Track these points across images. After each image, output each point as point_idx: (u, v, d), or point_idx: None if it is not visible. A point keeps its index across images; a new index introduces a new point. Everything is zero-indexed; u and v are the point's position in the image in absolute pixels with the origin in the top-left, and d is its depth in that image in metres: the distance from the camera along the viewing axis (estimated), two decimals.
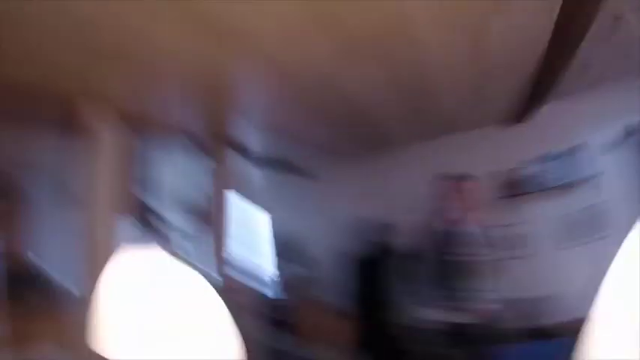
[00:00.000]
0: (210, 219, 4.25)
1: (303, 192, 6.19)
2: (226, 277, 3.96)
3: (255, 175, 5.15)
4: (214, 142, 3.86)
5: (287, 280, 6.31)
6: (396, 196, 5.47)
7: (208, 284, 0.85)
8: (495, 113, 4.69)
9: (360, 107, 3.53)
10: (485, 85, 3.59)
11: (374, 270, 5.14)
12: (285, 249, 6.37)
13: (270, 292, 6.22)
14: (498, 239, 3.23)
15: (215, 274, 4.63)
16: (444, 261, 3.17)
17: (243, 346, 0.80)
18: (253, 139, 3.99)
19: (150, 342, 0.72)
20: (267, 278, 6.61)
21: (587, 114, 4.77)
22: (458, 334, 3.10)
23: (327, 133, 4.26)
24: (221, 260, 4.20)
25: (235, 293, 3.74)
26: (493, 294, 3.16)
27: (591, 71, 3.94)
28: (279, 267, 6.44)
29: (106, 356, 0.75)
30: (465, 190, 3.18)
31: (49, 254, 2.70)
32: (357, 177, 5.79)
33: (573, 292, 4.52)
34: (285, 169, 5.30)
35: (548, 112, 4.64)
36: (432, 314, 4.87)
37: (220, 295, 0.83)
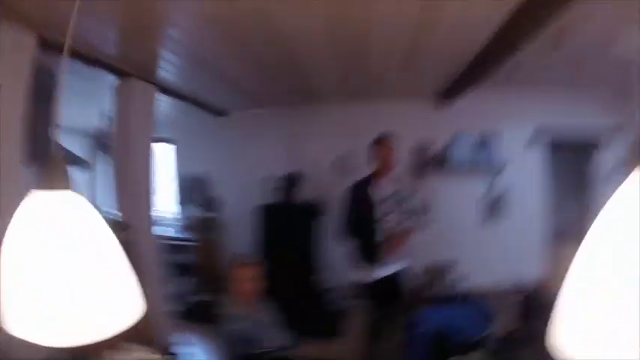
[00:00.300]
0: (109, 145, 3.77)
1: (214, 131, 5.88)
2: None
3: (165, 104, 4.67)
4: (128, 67, 3.37)
5: (189, 221, 6.05)
6: (310, 149, 5.48)
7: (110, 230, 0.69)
8: (424, 88, 4.77)
9: (293, 55, 3.27)
10: (420, 59, 3.55)
11: (279, 219, 5.09)
12: (190, 187, 6.08)
13: (171, 232, 5.93)
14: (406, 205, 3.27)
15: (112, 208, 4.21)
16: (357, 218, 3.16)
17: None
18: (171, 68, 3.53)
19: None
20: (168, 216, 6.28)
21: (507, 108, 5.17)
22: (368, 290, 3.20)
23: (253, 77, 3.95)
24: (122, 192, 3.78)
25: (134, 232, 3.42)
26: (403, 255, 3.24)
27: (522, 72, 4.11)
28: (182, 205, 6.12)
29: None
30: (385, 149, 3.14)
31: None
32: (275, 125, 5.62)
33: (475, 263, 5.19)
34: (198, 104, 4.89)
35: (472, 98, 4.82)
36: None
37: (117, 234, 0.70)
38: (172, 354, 1.67)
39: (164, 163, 6.12)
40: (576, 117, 5.05)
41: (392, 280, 3.19)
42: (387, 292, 3.19)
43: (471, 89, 4.40)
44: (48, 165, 0.63)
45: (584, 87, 4.90)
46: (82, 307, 0.59)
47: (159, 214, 4.08)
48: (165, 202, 6.07)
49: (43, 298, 0.57)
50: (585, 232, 0.51)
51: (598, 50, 3.23)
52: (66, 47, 0.74)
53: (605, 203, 0.49)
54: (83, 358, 1.55)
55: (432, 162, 5.15)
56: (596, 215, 0.50)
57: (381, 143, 3.18)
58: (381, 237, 3.08)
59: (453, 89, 4.53)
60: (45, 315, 0.57)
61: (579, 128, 5.13)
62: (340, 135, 5.36)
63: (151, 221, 3.93)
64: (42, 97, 3.04)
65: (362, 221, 3.14)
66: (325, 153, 5.41)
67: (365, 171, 3.46)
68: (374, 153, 3.21)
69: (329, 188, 5.27)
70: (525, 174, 5.19)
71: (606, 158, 5.09)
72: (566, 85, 4.80)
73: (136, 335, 1.78)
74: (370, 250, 3.09)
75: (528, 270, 5.12)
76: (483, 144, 5.16)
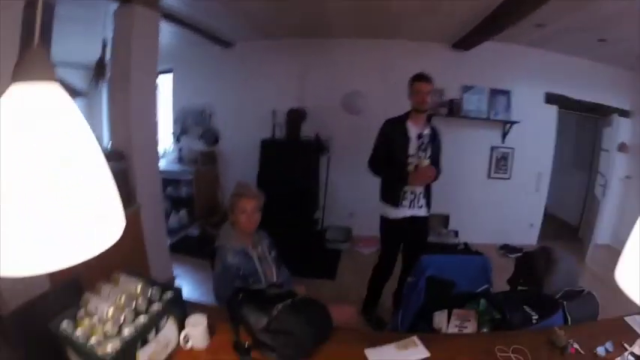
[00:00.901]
0: (104, 75, 3.60)
1: (218, 62, 5.63)
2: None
3: (167, 32, 4.45)
4: None
5: (187, 153, 5.98)
6: (318, 85, 5.29)
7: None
8: (442, 34, 4.56)
9: None
10: (441, 3, 3.41)
11: (282, 155, 4.98)
12: (189, 119, 5.95)
13: (166, 164, 5.85)
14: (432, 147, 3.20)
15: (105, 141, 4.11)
16: (389, 153, 3.07)
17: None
18: None
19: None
20: (164, 148, 6.18)
21: (523, 66, 4.94)
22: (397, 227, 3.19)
23: (265, 5, 3.71)
24: (120, 122, 3.66)
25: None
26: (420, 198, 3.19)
27: (543, 31, 3.97)
28: (179, 137, 6.02)
29: None
30: (424, 87, 3.01)
31: None
32: (283, 58, 5.32)
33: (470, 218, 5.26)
34: (203, 33, 4.68)
35: (487, 50, 4.66)
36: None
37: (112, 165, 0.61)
38: (171, 288, 1.62)
39: (164, 93, 5.94)
40: (589, 89, 4.91)
41: (416, 221, 3.18)
42: (411, 232, 3.22)
43: (489, 40, 4.26)
44: (28, 54, 0.52)
45: (603, 62, 4.77)
46: (62, 221, 0.50)
47: (158, 146, 3.97)
48: (163, 133, 5.94)
49: (16, 212, 0.48)
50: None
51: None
52: None
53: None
54: (77, 291, 1.51)
55: (443, 109, 4.99)
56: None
57: (422, 81, 3.01)
58: (409, 171, 3.02)
59: (470, 38, 4.35)
60: (21, 233, 0.48)
61: (590, 101, 5.00)
62: (351, 72, 5.16)
63: (152, 153, 3.85)
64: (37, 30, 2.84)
65: (394, 157, 3.05)
66: (334, 89, 5.21)
67: (374, 110, 3.36)
68: (412, 90, 3.05)
69: (335, 125, 5.21)
70: (532, 135, 5.07)
71: (610, 134, 4.99)
72: (586, 54, 4.64)
73: (132, 268, 1.74)
74: (398, 187, 3.07)
75: (521, 232, 5.27)
76: (495, 98, 5.00)
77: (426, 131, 3.08)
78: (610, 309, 2.15)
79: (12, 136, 0.50)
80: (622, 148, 5.05)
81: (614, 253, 5.05)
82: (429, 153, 3.05)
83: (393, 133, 3.09)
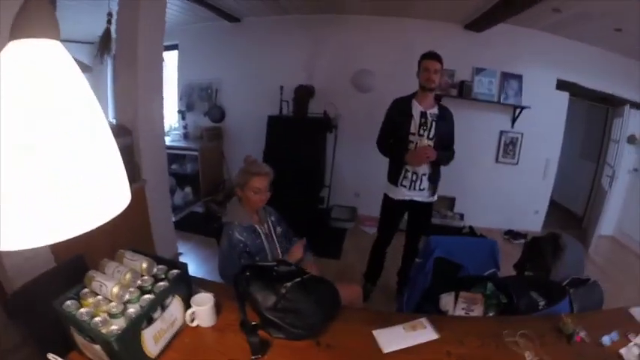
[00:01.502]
0: (110, 49, 3.53)
1: (224, 37, 5.53)
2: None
3: (173, 6, 4.37)
4: None
5: (191, 129, 5.95)
6: (327, 61, 5.20)
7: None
8: (454, 13, 4.45)
9: None
10: None
11: (288, 132, 4.90)
12: (195, 95, 5.89)
13: (171, 140, 5.81)
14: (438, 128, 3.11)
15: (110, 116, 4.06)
16: (393, 132, 3.04)
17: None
18: None
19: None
20: (170, 124, 6.13)
21: (533, 50, 4.79)
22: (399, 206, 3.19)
23: None
24: (122, 97, 3.61)
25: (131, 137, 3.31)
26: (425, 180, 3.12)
27: (559, 17, 3.88)
28: (184, 114, 5.97)
29: None
30: (432, 69, 2.92)
31: None
32: (292, 34, 5.21)
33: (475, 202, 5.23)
34: (209, 7, 4.60)
35: (500, 32, 4.56)
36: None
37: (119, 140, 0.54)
38: (177, 265, 1.60)
39: (169, 70, 5.88)
40: (602, 79, 4.78)
41: (416, 206, 3.14)
42: (410, 217, 3.23)
43: (503, 23, 4.18)
44: (30, 4, 0.47)
45: (618, 52, 4.63)
46: (66, 189, 0.47)
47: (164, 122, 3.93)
48: (169, 110, 5.89)
49: (17, 183, 0.45)
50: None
51: None
52: None
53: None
54: (81, 269, 1.47)
55: (453, 90, 4.93)
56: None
57: (430, 59, 2.92)
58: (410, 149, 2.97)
59: (484, 19, 4.25)
60: (22, 204, 0.45)
61: (602, 90, 4.89)
62: (362, 50, 5.06)
63: (158, 129, 3.80)
64: None
65: (397, 135, 3.01)
66: (343, 67, 5.14)
67: (384, 89, 3.37)
68: (420, 68, 2.96)
69: (344, 103, 5.12)
70: (542, 121, 4.97)
71: (620, 126, 4.89)
72: (601, 43, 4.52)
73: (137, 245, 1.71)
74: (399, 165, 3.03)
75: (526, 219, 5.24)
76: (507, 81, 4.89)
77: (432, 111, 2.98)
78: (611, 300, 2.15)
79: (10, 100, 0.45)
80: (632, 139, 4.96)
81: (617, 245, 5.08)
82: (432, 133, 2.96)
83: (397, 111, 3.04)
